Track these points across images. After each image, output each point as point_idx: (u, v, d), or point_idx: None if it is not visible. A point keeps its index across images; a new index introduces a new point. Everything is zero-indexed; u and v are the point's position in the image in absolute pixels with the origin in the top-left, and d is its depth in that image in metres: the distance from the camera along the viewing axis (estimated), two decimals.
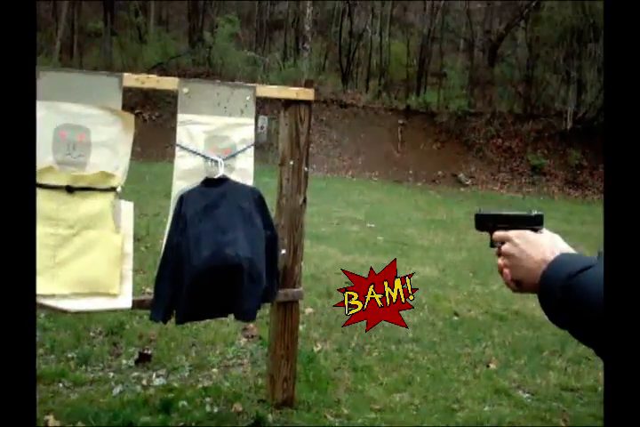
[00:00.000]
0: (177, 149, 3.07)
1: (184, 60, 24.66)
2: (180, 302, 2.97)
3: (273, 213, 3.36)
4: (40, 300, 2.71)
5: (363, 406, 3.59)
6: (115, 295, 2.89)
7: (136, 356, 4.00)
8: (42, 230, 2.72)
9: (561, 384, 4.13)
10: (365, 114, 23.96)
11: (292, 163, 3.36)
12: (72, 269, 2.81)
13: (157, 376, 3.79)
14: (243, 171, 3.19)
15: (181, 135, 3.07)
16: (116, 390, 3.56)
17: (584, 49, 23.34)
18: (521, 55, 26.40)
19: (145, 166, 14.63)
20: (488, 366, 4.35)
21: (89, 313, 3.98)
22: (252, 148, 3.23)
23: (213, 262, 2.88)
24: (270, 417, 3.35)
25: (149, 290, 4.15)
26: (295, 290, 3.44)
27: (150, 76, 3.09)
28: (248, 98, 3.20)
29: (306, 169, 3.42)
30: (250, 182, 3.20)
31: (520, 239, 1.24)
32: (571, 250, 1.21)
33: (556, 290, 1.08)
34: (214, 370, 3.96)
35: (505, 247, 1.27)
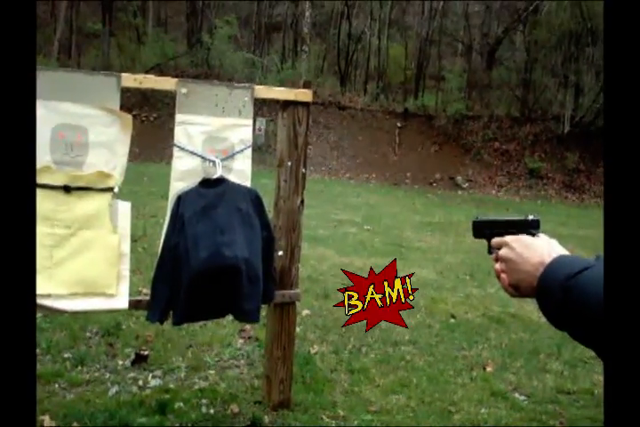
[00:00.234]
0: (175, 149, 3.07)
1: (182, 61, 24.69)
2: (178, 302, 2.96)
3: (270, 215, 3.35)
4: (37, 300, 2.71)
5: (359, 408, 3.59)
6: (111, 296, 2.89)
7: (132, 357, 3.99)
8: (39, 230, 2.71)
9: (557, 387, 4.13)
10: (363, 116, 23.99)
11: (289, 164, 3.36)
12: (69, 269, 2.80)
13: (153, 377, 3.78)
14: (240, 172, 3.19)
15: (179, 136, 3.07)
16: (112, 390, 3.56)
17: (582, 53, 23.42)
18: (519, 59, 26.48)
19: (142, 167, 14.63)
20: (485, 369, 4.35)
21: (86, 313, 3.97)
22: (250, 148, 3.23)
23: (211, 263, 2.87)
24: (266, 419, 3.34)
25: (146, 291, 4.14)
26: (292, 291, 3.43)
27: (148, 76, 3.09)
28: (246, 99, 3.20)
29: (303, 170, 3.41)
30: (248, 183, 3.20)
31: (517, 243, 1.25)
32: (567, 253, 1.21)
33: (555, 291, 1.08)
34: (211, 371, 3.95)
35: (502, 252, 1.27)
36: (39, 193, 2.72)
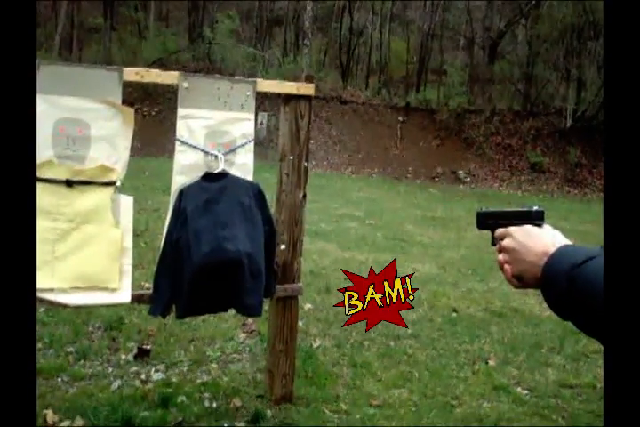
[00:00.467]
0: (177, 143, 3.06)
1: (184, 55, 24.66)
2: (180, 297, 2.97)
3: (272, 209, 3.35)
4: (39, 294, 2.71)
5: (361, 402, 3.59)
6: (114, 290, 2.89)
7: (135, 351, 3.99)
8: (41, 224, 2.71)
9: (560, 381, 4.13)
10: (365, 111, 23.96)
11: (291, 158, 3.36)
12: (71, 264, 2.80)
13: (156, 371, 3.79)
14: (243, 166, 3.18)
15: (181, 130, 3.06)
16: (115, 384, 3.56)
17: (584, 47, 23.35)
18: (521, 53, 26.40)
19: (144, 162, 14.62)
20: (487, 363, 4.36)
21: (88, 307, 3.98)
22: (253, 142, 3.22)
23: (213, 258, 2.87)
24: (269, 412, 3.35)
25: (148, 285, 4.15)
26: (294, 285, 3.44)
27: (150, 70, 3.08)
28: (248, 93, 3.19)
29: (305, 164, 3.41)
30: (250, 177, 3.19)
31: (520, 233, 1.24)
32: (571, 243, 1.20)
33: (560, 280, 1.07)
34: (213, 365, 3.96)
35: (505, 242, 1.26)
36: (41, 187, 2.72)
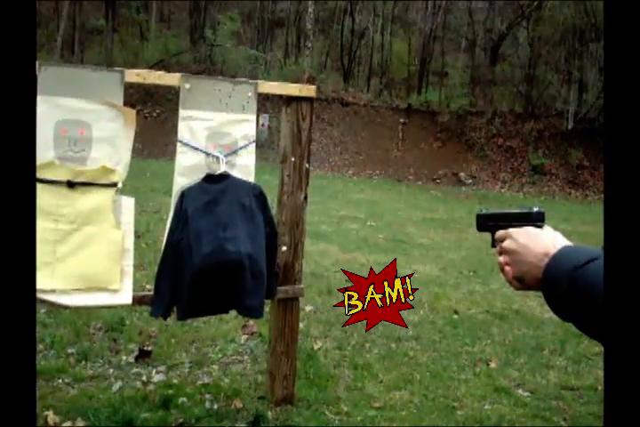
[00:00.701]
0: (178, 144, 3.06)
1: (185, 57, 24.68)
2: (181, 298, 2.97)
3: (274, 210, 3.35)
4: (40, 295, 2.71)
5: (362, 404, 3.59)
6: (115, 291, 2.89)
7: (136, 352, 3.99)
8: (42, 225, 2.71)
9: (561, 383, 4.13)
10: (366, 112, 23.97)
11: (293, 159, 3.36)
12: (72, 265, 2.80)
13: (157, 373, 3.78)
14: (244, 167, 3.18)
15: (183, 131, 3.06)
16: (116, 386, 3.56)
17: (585, 49, 23.35)
18: (522, 55, 26.39)
19: (145, 164, 14.64)
20: (488, 365, 4.35)
21: (89, 309, 3.98)
22: (254, 144, 3.22)
23: (214, 259, 2.87)
24: (270, 414, 3.35)
25: (150, 286, 4.15)
26: (296, 287, 3.43)
27: (152, 71, 3.09)
28: (250, 94, 3.19)
29: (307, 166, 3.41)
30: (251, 179, 3.19)
31: (521, 235, 1.23)
32: (572, 244, 1.20)
33: (562, 282, 1.07)
34: (214, 367, 3.96)
35: (505, 243, 1.25)
36: (42, 188, 2.72)
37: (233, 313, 3.31)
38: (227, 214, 2.98)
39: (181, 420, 3.20)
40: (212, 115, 3.11)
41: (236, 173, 3.13)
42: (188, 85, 3.06)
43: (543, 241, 1.19)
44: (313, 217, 9.47)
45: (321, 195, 13.10)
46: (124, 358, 3.96)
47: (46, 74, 2.77)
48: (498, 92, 25.67)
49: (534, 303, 5.90)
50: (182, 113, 3.07)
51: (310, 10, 24.47)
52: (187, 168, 3.06)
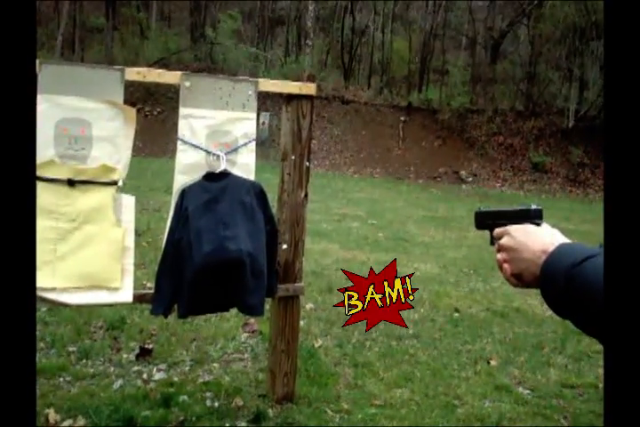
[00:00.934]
0: (179, 143, 3.06)
1: (186, 55, 24.67)
2: (182, 296, 2.97)
3: (274, 209, 3.35)
4: (41, 293, 2.71)
5: (363, 402, 3.59)
6: (116, 289, 2.89)
7: (137, 350, 4.00)
8: (43, 224, 2.71)
9: (561, 381, 4.13)
10: (367, 111, 23.96)
11: (293, 158, 3.36)
12: (73, 263, 2.80)
13: (158, 371, 3.79)
14: (244, 165, 3.18)
15: (183, 129, 3.06)
16: (117, 384, 3.56)
17: (586, 46, 23.33)
18: (523, 52, 26.40)
19: (146, 162, 14.65)
20: (489, 363, 4.35)
21: (90, 307, 3.98)
22: (254, 142, 3.22)
23: (215, 257, 2.87)
24: (271, 412, 3.35)
25: (150, 285, 4.15)
26: (296, 285, 3.43)
27: (152, 69, 3.08)
28: (250, 92, 3.19)
29: (307, 164, 3.41)
30: (251, 177, 3.19)
31: (518, 232, 1.24)
32: (570, 242, 1.20)
33: (559, 279, 1.07)
34: (215, 365, 3.96)
35: (503, 241, 1.26)
36: (43, 187, 2.73)
37: (233, 311, 3.31)
38: (227, 213, 2.98)
39: (182, 418, 3.20)
40: (213, 113, 3.10)
41: (236, 172, 3.13)
42: (188, 84, 3.06)
43: (541, 238, 1.19)
44: (314, 215, 9.47)
45: (321, 193, 13.11)
46: (125, 356, 3.96)
47: (46, 72, 2.77)
48: (498, 90, 25.67)
49: (535, 301, 5.90)
50: (182, 111, 3.07)
51: (311, 8, 24.45)
52: (187, 166, 3.06)
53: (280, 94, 3.45)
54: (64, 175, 2.80)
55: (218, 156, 3.08)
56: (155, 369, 3.81)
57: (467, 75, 26.30)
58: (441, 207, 13.84)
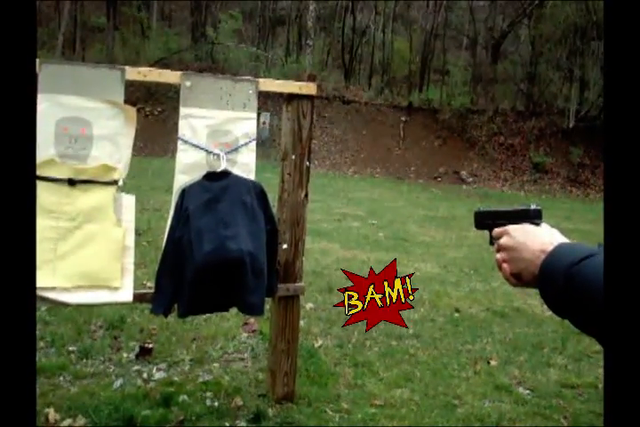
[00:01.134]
0: (179, 142, 3.06)
1: (186, 55, 24.68)
2: (182, 295, 2.97)
3: (274, 208, 3.35)
4: (41, 293, 2.71)
5: (363, 402, 3.59)
6: (116, 289, 2.89)
7: (137, 350, 4.00)
8: (43, 223, 2.71)
9: (561, 381, 4.13)
10: (367, 110, 23.96)
11: (293, 157, 3.36)
12: (73, 262, 2.81)
13: (158, 370, 3.79)
14: (245, 165, 3.18)
15: (184, 129, 3.06)
16: (117, 383, 3.57)
17: (587, 47, 23.33)
18: (524, 53, 26.39)
19: (146, 162, 14.65)
20: (489, 363, 4.35)
21: (90, 306, 3.99)
22: (255, 142, 3.22)
23: (215, 256, 2.87)
24: (270, 412, 3.35)
25: (150, 284, 4.15)
26: (296, 285, 3.43)
27: (153, 69, 3.08)
28: (250, 92, 3.19)
29: (307, 164, 3.41)
30: (252, 176, 3.19)
31: (517, 232, 1.24)
32: (569, 241, 1.20)
33: (558, 278, 1.07)
34: (215, 364, 3.96)
35: (502, 240, 1.26)
36: (43, 186, 2.73)
37: (234, 311, 3.31)
38: (227, 212, 2.99)
39: (182, 417, 3.20)
40: (213, 113, 3.11)
41: (236, 171, 3.13)
42: (188, 83, 3.06)
43: (540, 238, 1.20)
44: (314, 215, 9.47)
45: (322, 193, 13.11)
46: (125, 355, 3.96)
47: (47, 72, 2.77)
48: (499, 90, 25.68)
49: (535, 301, 5.90)
50: (183, 111, 3.07)
51: (311, 8, 24.45)
52: (187, 166, 3.07)
53: (281, 94, 3.45)
54: (64, 175, 2.80)
55: (218, 155, 3.08)
56: (155, 369, 3.81)
57: (467, 75, 26.30)
58: (441, 207, 13.84)
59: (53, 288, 2.76)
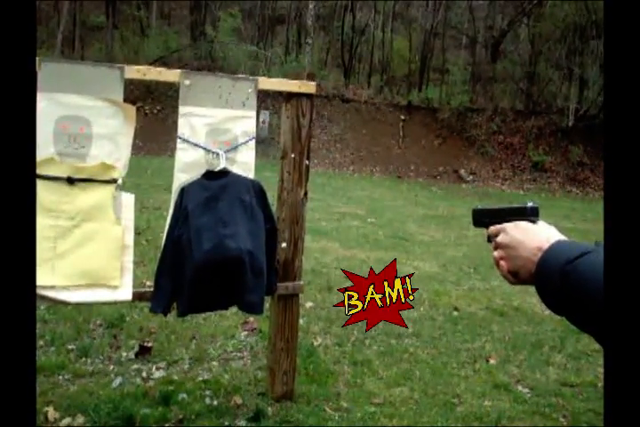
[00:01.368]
0: (178, 141, 3.06)
1: (186, 53, 24.64)
2: (182, 294, 2.97)
3: (274, 207, 3.35)
4: (40, 291, 2.71)
5: (362, 400, 3.59)
6: (115, 287, 2.89)
7: (136, 348, 4.00)
8: (42, 222, 2.71)
9: (560, 380, 4.13)
10: (367, 109, 23.94)
11: (293, 156, 3.36)
12: (72, 261, 2.81)
13: (157, 369, 3.79)
14: (244, 163, 3.19)
15: (183, 127, 3.06)
16: (116, 382, 3.57)
17: (586, 46, 23.32)
18: (523, 51, 26.38)
19: (146, 160, 14.64)
20: (488, 362, 4.36)
21: (89, 305, 3.98)
22: (254, 140, 3.22)
23: (215, 255, 2.88)
24: (270, 410, 3.35)
25: (150, 283, 4.15)
26: (295, 283, 3.44)
27: (152, 68, 3.08)
28: (250, 90, 3.19)
29: (307, 162, 3.41)
30: (251, 175, 3.19)
31: (515, 230, 1.24)
32: (566, 239, 1.20)
33: (554, 276, 1.07)
34: (214, 363, 3.96)
35: (499, 238, 1.27)
36: (42, 185, 2.73)
37: (233, 309, 3.31)
38: (227, 211, 2.99)
39: (181, 416, 3.21)
40: (212, 111, 3.11)
41: (236, 170, 3.13)
42: (187, 82, 3.06)
43: (537, 235, 1.20)
44: (313, 214, 9.47)
45: (321, 192, 13.11)
46: (125, 354, 3.97)
47: (46, 70, 2.77)
48: (498, 89, 25.66)
49: (534, 300, 5.90)
50: (182, 109, 3.07)
51: (311, 6, 24.42)
52: (187, 164, 3.07)
53: (280, 93, 3.45)
54: (64, 173, 2.80)
55: (217, 154, 3.08)
56: (154, 367, 3.81)
57: (467, 74, 26.28)
58: (441, 206, 13.84)
59: (53, 287, 2.77)
